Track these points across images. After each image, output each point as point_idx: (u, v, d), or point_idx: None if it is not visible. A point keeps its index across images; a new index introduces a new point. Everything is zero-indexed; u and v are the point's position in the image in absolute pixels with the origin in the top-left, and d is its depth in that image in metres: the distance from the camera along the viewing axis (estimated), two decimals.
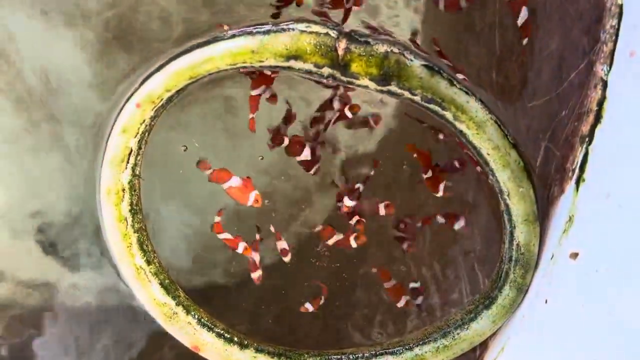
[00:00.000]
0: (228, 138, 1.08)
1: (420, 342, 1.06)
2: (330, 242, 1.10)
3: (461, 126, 0.93)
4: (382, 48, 0.89)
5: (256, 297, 1.14)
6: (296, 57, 0.90)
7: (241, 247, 1.10)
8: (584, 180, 0.90)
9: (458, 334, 1.04)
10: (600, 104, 0.87)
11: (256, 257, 1.10)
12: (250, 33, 0.90)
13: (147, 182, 1.04)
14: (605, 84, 0.86)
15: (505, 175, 0.95)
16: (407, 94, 0.92)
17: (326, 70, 0.91)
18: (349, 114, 1.04)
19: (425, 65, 0.91)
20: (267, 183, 1.10)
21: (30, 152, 1.04)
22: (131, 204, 1.01)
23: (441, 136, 1.07)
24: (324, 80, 0.93)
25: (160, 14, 1.00)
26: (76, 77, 1.00)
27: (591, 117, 0.89)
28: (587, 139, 0.90)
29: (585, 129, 0.90)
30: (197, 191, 1.11)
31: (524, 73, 1.00)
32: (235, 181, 1.06)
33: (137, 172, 1.01)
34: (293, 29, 0.89)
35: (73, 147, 1.04)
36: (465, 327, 1.04)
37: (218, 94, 1.07)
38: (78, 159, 1.04)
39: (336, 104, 1.05)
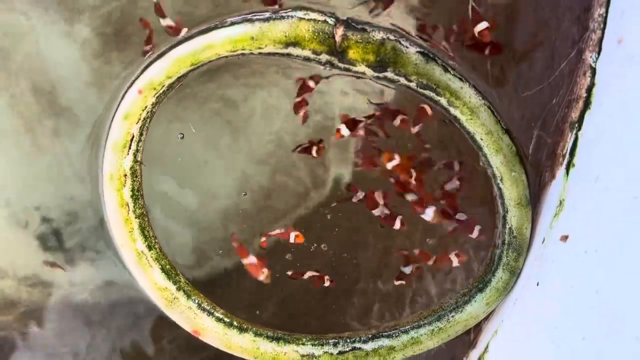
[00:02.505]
0: (228, 131, 1.08)
1: (416, 325, 1.07)
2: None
3: (455, 112, 0.95)
4: (378, 35, 0.91)
5: (256, 285, 1.14)
6: (295, 44, 0.91)
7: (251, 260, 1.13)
8: (573, 165, 0.91)
9: (453, 316, 1.05)
10: (589, 90, 0.88)
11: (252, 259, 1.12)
12: (250, 20, 0.91)
13: (147, 171, 1.04)
14: (593, 71, 0.88)
15: (498, 160, 0.97)
16: (403, 80, 0.93)
17: (324, 57, 0.92)
18: (311, 84, 1.04)
19: (420, 52, 0.92)
20: (268, 175, 1.11)
21: (32, 147, 1.04)
22: (133, 190, 1.02)
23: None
24: (322, 67, 0.94)
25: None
26: (75, 72, 1.01)
27: (580, 104, 0.90)
28: (576, 125, 0.91)
29: (575, 115, 0.92)
30: (196, 179, 1.11)
31: (517, 64, 1.01)
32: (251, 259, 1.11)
33: (139, 159, 1.02)
34: (292, 17, 0.90)
35: (74, 142, 1.04)
36: (460, 310, 1.05)
37: (217, 89, 1.06)
38: (79, 153, 1.04)
39: (311, 83, 1.05)
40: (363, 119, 1.03)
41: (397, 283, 1.13)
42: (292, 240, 1.10)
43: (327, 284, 1.13)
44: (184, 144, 1.07)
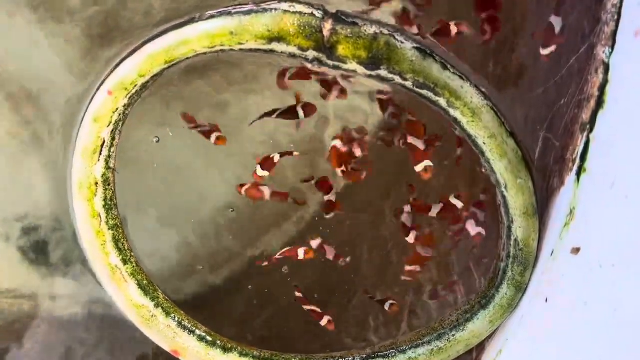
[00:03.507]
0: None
1: (414, 345, 1.02)
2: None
3: (455, 113, 0.89)
4: (370, 29, 0.85)
5: (246, 301, 1.13)
6: (279, 39, 0.85)
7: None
8: (585, 170, 0.86)
9: (453, 335, 1.01)
10: (602, 88, 0.83)
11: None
12: (229, 13, 0.86)
13: (123, 179, 1.00)
14: (607, 67, 0.83)
15: (502, 166, 0.91)
16: (397, 78, 0.88)
17: (311, 54, 0.87)
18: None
19: (416, 48, 0.86)
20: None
21: (13, 154, 1.02)
22: (105, 199, 0.97)
23: None
24: (309, 65, 0.89)
25: (146, 8, 0.96)
26: (59, 77, 0.98)
27: (592, 103, 0.85)
28: (588, 127, 0.86)
29: (586, 116, 0.87)
30: (180, 188, 1.09)
31: (521, 62, 0.98)
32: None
33: (111, 165, 0.96)
34: (275, 9, 0.85)
35: (56, 149, 1.01)
36: (461, 328, 1.01)
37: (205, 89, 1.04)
38: (61, 161, 1.01)
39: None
40: (277, 156, 1.02)
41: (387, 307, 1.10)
42: (301, 257, 1.07)
43: (324, 322, 1.10)
44: (169, 150, 1.04)
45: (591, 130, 0.85)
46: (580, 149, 0.87)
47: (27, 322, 1.08)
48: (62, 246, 1.05)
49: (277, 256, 1.07)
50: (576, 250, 0.85)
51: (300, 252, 1.06)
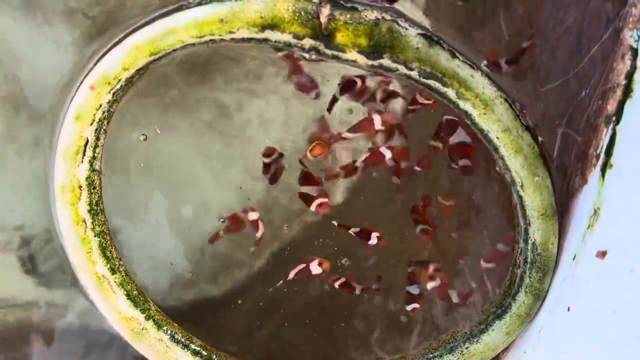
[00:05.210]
0: (222, 142, 1.03)
1: (424, 359, 0.99)
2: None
3: (466, 105, 0.84)
4: (371, 15, 0.80)
5: (249, 312, 1.09)
6: (272, 27, 0.80)
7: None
8: (611, 166, 0.81)
9: (467, 348, 0.97)
10: (630, 76, 0.78)
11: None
12: None
13: (116, 185, 0.96)
14: (635, 53, 0.77)
15: (517, 162, 0.86)
16: (402, 68, 0.82)
17: (307, 42, 0.82)
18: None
19: (422, 35, 0.81)
20: (264, 191, 1.05)
21: (6, 161, 0.99)
22: (90, 204, 0.92)
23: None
24: (306, 55, 0.84)
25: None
26: (58, 80, 0.94)
27: (618, 93, 0.80)
28: (614, 118, 0.81)
29: (611, 107, 0.81)
30: (177, 196, 1.05)
31: (535, 56, 0.93)
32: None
33: (97, 167, 0.91)
34: None
35: (45, 154, 0.97)
36: (475, 340, 0.97)
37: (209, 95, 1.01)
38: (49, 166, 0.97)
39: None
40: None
41: (409, 308, 1.06)
42: (315, 272, 1.05)
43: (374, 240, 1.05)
44: (168, 157, 1.01)
45: (617, 122, 0.80)
46: (605, 143, 0.82)
47: (22, 332, 1.05)
48: (54, 256, 1.02)
49: (292, 273, 1.04)
50: (602, 254, 0.80)
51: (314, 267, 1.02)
